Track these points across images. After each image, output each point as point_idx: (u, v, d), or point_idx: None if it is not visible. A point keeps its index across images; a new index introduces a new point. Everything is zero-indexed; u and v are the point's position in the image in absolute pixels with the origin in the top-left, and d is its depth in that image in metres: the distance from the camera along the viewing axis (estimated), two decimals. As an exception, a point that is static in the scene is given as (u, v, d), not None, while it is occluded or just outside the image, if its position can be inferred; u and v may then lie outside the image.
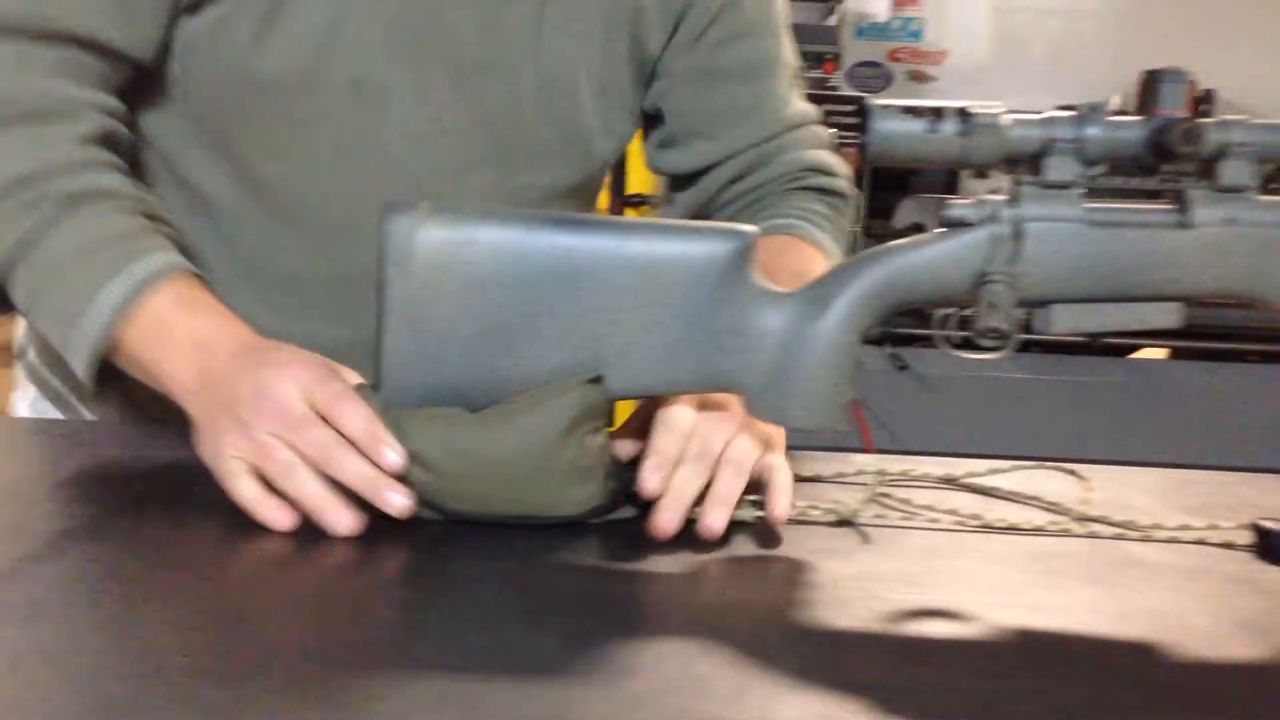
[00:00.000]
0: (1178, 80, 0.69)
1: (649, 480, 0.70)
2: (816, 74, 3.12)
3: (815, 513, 0.76)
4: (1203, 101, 4.03)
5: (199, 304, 0.77)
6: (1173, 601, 0.67)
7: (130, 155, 0.87)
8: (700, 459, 0.72)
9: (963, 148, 0.68)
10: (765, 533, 0.73)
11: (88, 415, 0.99)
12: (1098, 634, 0.62)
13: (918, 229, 3.74)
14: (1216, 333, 2.97)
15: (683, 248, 0.71)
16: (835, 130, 3.62)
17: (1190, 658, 0.59)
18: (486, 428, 0.68)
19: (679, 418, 0.72)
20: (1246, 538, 0.76)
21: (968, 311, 0.70)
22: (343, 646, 0.55)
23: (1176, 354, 3.22)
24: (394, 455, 0.67)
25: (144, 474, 0.80)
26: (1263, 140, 0.68)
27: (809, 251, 0.96)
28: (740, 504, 0.72)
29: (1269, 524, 0.75)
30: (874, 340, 2.85)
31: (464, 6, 0.88)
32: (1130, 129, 0.68)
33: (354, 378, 0.71)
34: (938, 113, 0.68)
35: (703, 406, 0.74)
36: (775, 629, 0.61)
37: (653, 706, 0.51)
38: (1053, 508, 0.81)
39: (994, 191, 0.72)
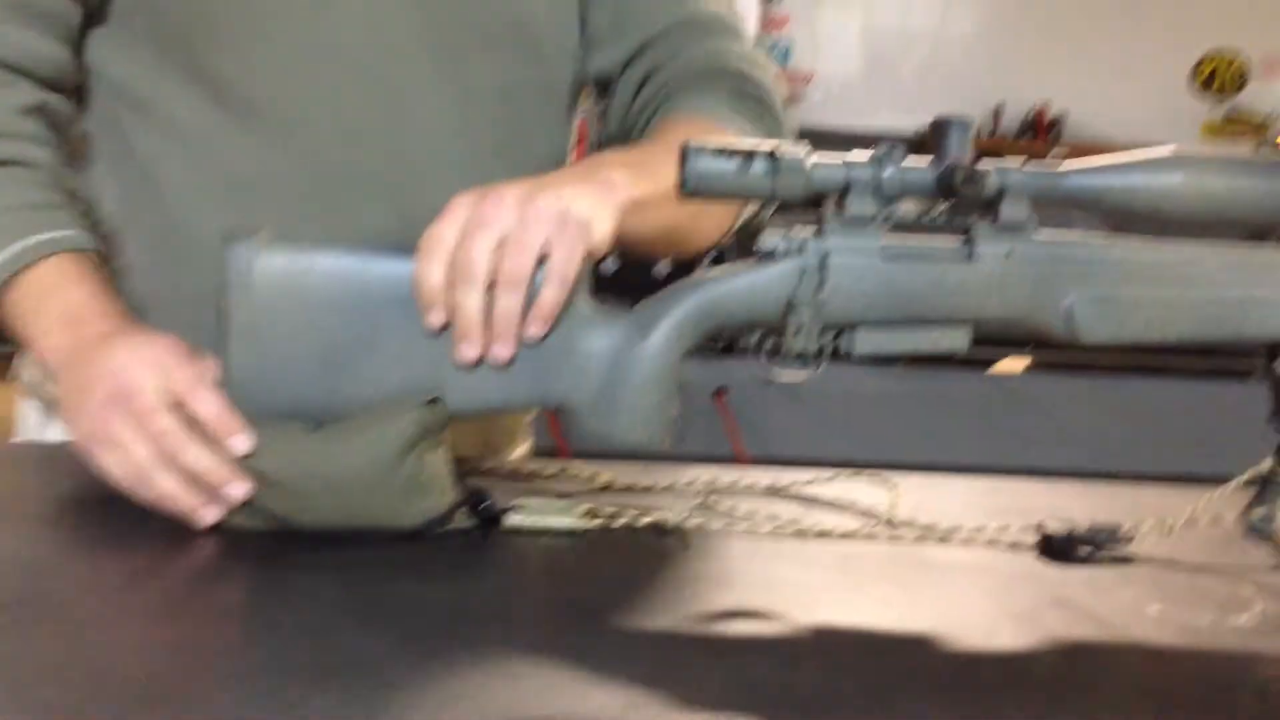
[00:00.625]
0: (964, 127, 0.76)
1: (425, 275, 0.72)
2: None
3: (643, 519, 0.81)
4: (1054, 124, 4.25)
5: (81, 280, 0.81)
6: (956, 597, 0.74)
7: (66, 126, 0.91)
8: (470, 282, 0.72)
9: (772, 186, 0.74)
10: (593, 541, 0.78)
11: None
12: (885, 628, 0.68)
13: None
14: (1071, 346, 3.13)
15: None
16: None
17: (963, 647, 0.66)
18: (326, 445, 0.72)
19: (441, 236, 0.73)
20: (1033, 538, 0.84)
21: (778, 336, 0.77)
22: (182, 651, 0.59)
23: (1034, 367, 3.38)
24: (243, 441, 0.71)
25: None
26: (1035, 183, 0.76)
27: (699, 122, 0.95)
28: (565, 511, 0.78)
29: (1052, 525, 0.83)
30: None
31: None
32: (920, 172, 0.75)
33: (212, 366, 0.75)
34: (749, 154, 0.75)
35: (480, 198, 0.74)
36: (590, 627, 0.66)
37: (470, 701, 0.55)
38: (866, 513, 0.88)
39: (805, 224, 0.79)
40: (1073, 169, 0.77)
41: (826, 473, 0.95)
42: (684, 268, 0.92)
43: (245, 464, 0.72)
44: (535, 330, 0.73)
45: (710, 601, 0.70)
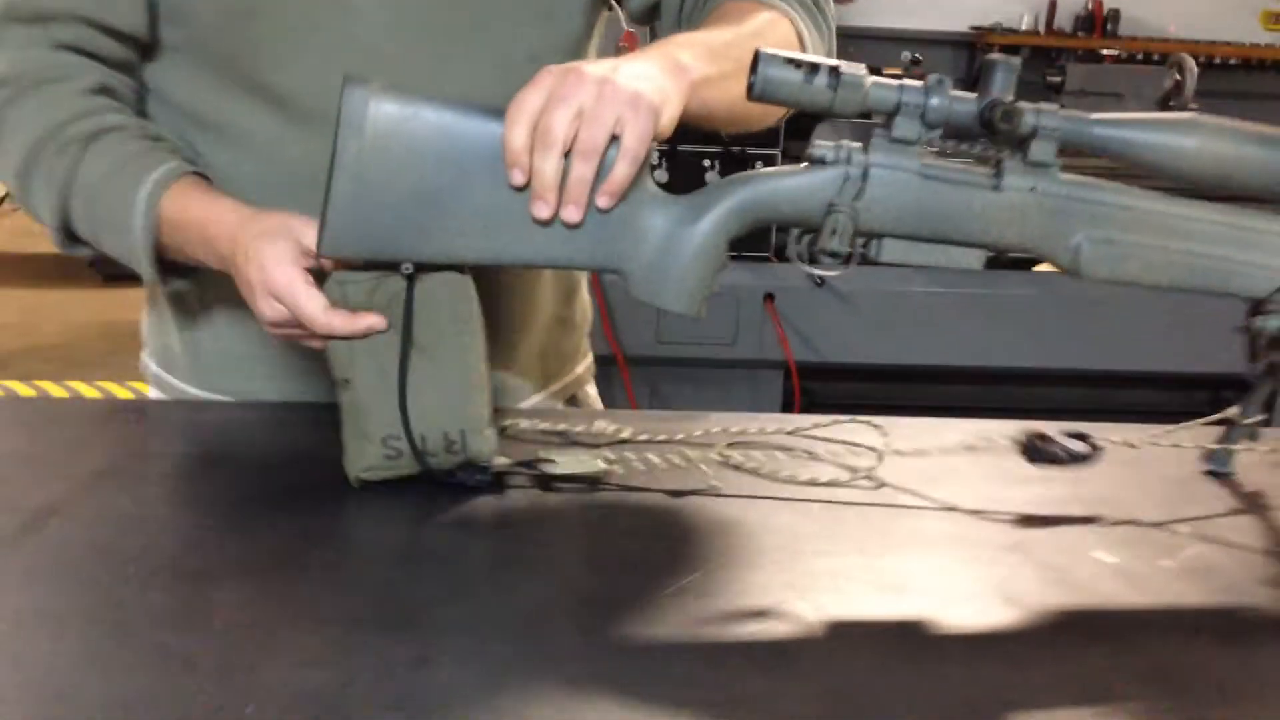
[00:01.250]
0: (1009, 69, 0.84)
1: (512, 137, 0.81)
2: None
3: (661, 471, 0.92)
4: (1110, 18, 4.22)
5: (197, 198, 0.94)
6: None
7: (132, 101, 1.02)
8: (549, 148, 0.80)
9: (831, 99, 0.83)
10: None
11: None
12: (861, 576, 0.79)
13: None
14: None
15: None
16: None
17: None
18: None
19: (526, 104, 0.81)
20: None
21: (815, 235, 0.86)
22: (273, 599, 0.72)
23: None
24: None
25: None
26: (1066, 127, 0.84)
27: (751, 7, 1.01)
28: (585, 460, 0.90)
29: (1037, 435, 0.93)
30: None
31: None
32: (965, 104, 0.84)
33: (310, 239, 0.85)
34: (815, 67, 0.83)
35: (564, 75, 0.82)
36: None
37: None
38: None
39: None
40: (1101, 118, 0.85)
41: (825, 419, 1.05)
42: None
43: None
44: (605, 202, 0.83)
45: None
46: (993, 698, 0.66)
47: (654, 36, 1.13)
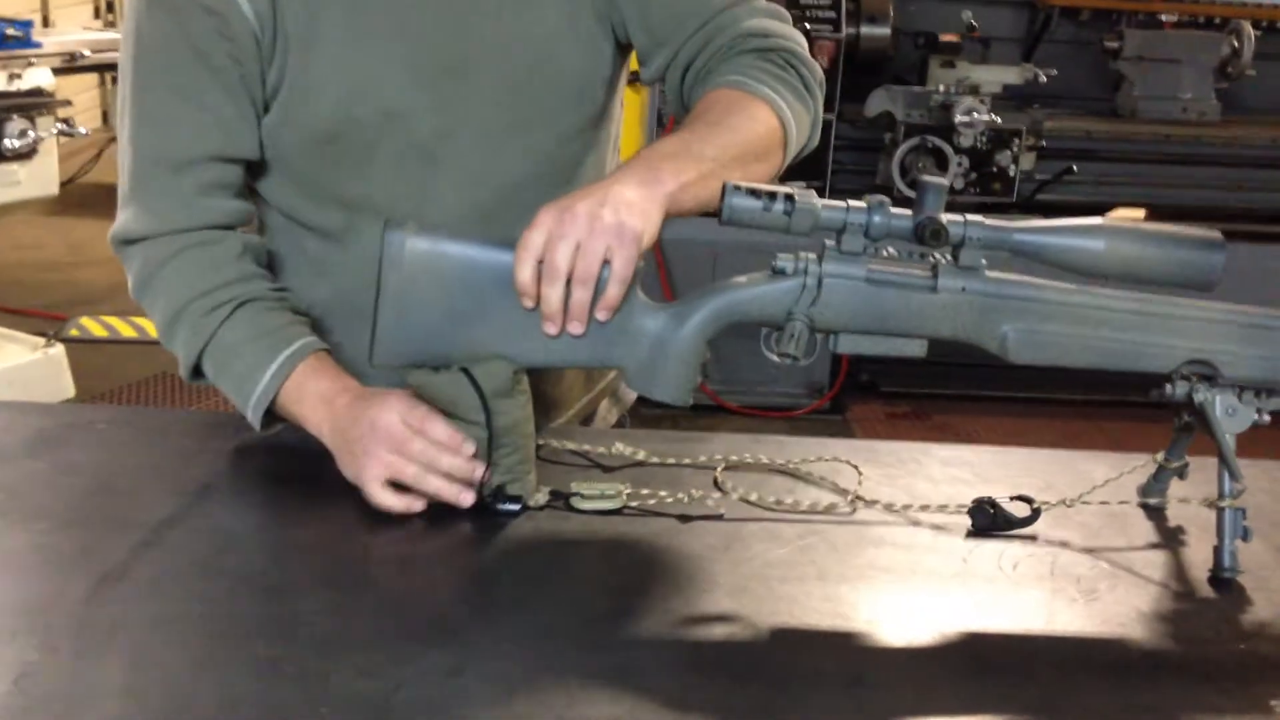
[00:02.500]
0: (939, 190, 0.99)
1: (520, 273, 0.99)
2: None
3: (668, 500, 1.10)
4: None
5: (323, 372, 1.14)
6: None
7: (263, 255, 1.23)
8: (553, 280, 0.99)
9: (787, 223, 0.99)
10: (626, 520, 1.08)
11: None
12: (837, 595, 0.97)
13: (888, 116, 4.02)
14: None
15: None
16: (810, 25, 3.90)
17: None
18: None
19: (531, 243, 0.99)
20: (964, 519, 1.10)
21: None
22: (343, 613, 0.92)
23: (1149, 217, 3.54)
24: (471, 447, 1.04)
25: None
26: (990, 236, 1.00)
27: (734, 96, 1.16)
28: (608, 492, 1.08)
29: (988, 501, 1.09)
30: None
31: (430, 7, 1.15)
32: (901, 220, 0.99)
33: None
34: (773, 195, 0.99)
35: (560, 215, 0.99)
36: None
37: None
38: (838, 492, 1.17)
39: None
40: (1020, 226, 1.00)
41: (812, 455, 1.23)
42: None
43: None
44: (603, 317, 1.01)
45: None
46: (893, 717, 0.82)
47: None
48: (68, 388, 3.32)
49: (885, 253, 1.02)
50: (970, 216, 1.00)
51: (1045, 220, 1.01)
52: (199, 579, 0.96)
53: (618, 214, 1.01)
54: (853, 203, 1.00)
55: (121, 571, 0.95)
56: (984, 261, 1.01)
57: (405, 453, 1.04)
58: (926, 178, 1.00)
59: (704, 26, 1.22)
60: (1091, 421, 3.66)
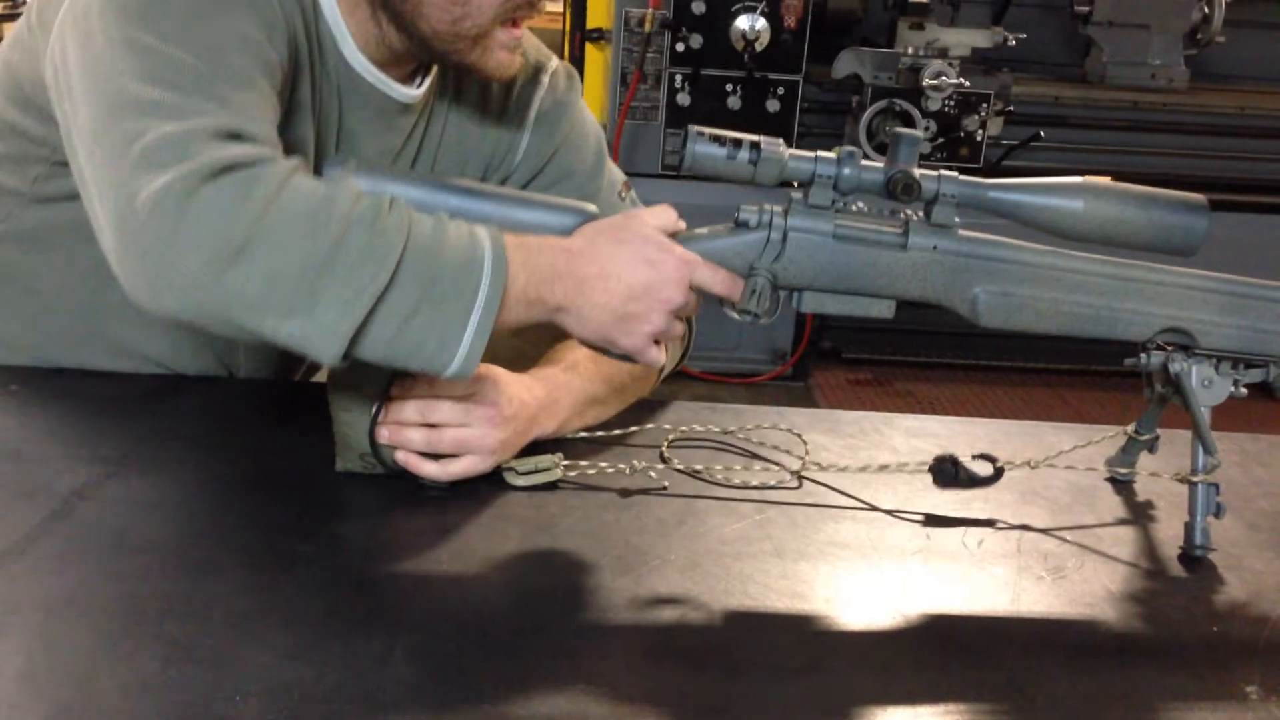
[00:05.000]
0: (913, 142, 0.93)
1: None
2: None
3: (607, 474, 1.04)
4: None
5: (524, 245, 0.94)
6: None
7: None
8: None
9: (752, 172, 0.93)
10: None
11: None
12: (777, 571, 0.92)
13: (855, 79, 3.94)
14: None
15: (541, 217, 0.96)
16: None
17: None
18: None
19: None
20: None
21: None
22: (264, 591, 0.84)
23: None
24: None
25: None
26: (964, 192, 0.94)
27: None
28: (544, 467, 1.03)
29: (950, 458, 1.04)
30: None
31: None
32: (872, 173, 0.94)
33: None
34: (737, 142, 0.93)
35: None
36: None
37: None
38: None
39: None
40: (996, 183, 0.94)
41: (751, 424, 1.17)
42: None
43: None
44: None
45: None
46: (852, 705, 0.77)
47: None
48: None
49: (855, 208, 0.96)
50: (944, 172, 0.95)
51: (1021, 179, 0.96)
52: (109, 555, 0.88)
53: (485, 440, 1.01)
54: (822, 154, 0.94)
55: (23, 546, 0.88)
56: (957, 220, 0.96)
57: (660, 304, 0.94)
58: (900, 129, 0.94)
59: None
60: (1053, 390, 3.64)
